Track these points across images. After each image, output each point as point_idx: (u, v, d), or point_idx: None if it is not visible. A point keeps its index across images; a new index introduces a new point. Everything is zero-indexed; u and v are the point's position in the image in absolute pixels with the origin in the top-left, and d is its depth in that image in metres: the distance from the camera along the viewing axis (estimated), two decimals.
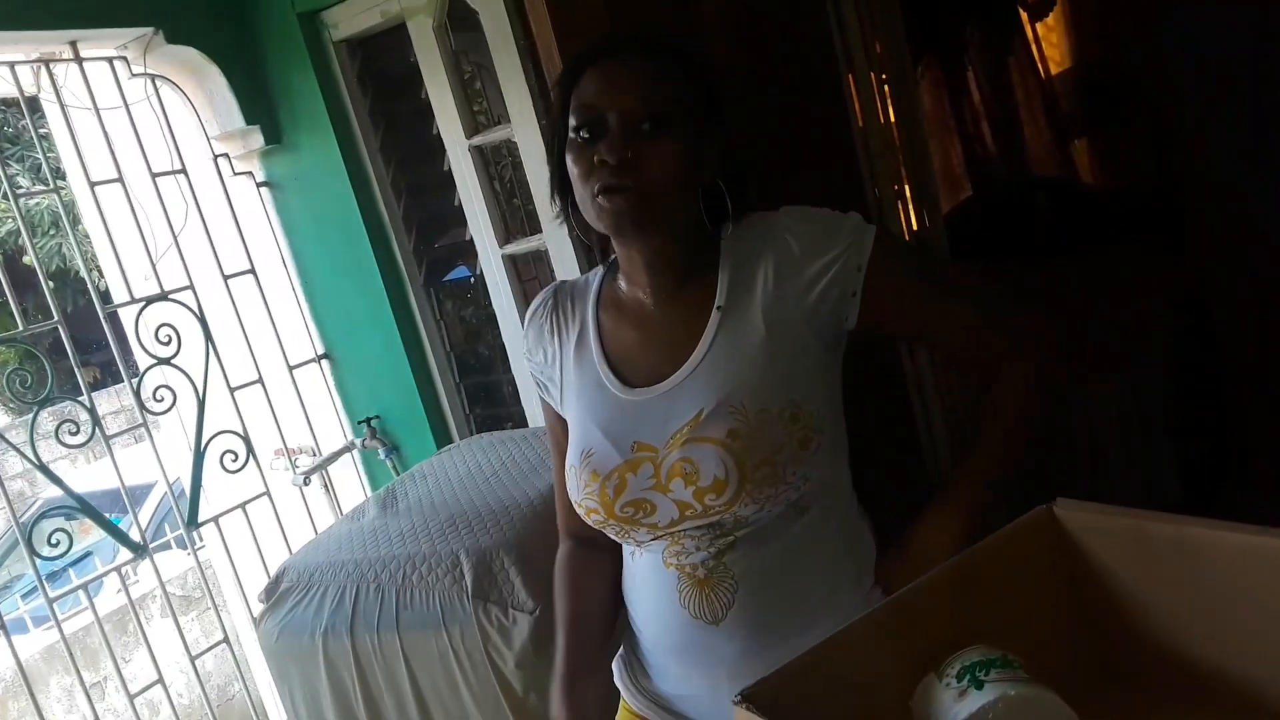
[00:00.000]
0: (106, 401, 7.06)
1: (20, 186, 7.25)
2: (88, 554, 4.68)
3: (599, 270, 1.16)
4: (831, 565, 1.10)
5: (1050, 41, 4.49)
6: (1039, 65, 4.45)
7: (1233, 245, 3.55)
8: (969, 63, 4.44)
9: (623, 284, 1.12)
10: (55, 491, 4.24)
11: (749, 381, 1.03)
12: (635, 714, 1.18)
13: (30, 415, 2.18)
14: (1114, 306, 3.13)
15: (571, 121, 1.02)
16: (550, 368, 1.15)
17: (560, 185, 1.09)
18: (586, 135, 1.01)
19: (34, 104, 2.44)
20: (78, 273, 8.90)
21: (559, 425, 1.17)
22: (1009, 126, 4.48)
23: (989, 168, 4.51)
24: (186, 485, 2.48)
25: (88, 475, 5.23)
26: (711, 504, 1.02)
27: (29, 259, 8.35)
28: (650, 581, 1.11)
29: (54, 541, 2.11)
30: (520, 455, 2.01)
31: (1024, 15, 4.40)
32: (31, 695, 2.21)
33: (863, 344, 1.13)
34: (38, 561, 2.20)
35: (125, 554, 2.39)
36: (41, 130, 2.72)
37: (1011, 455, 1.12)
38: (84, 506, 2.19)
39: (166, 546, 2.86)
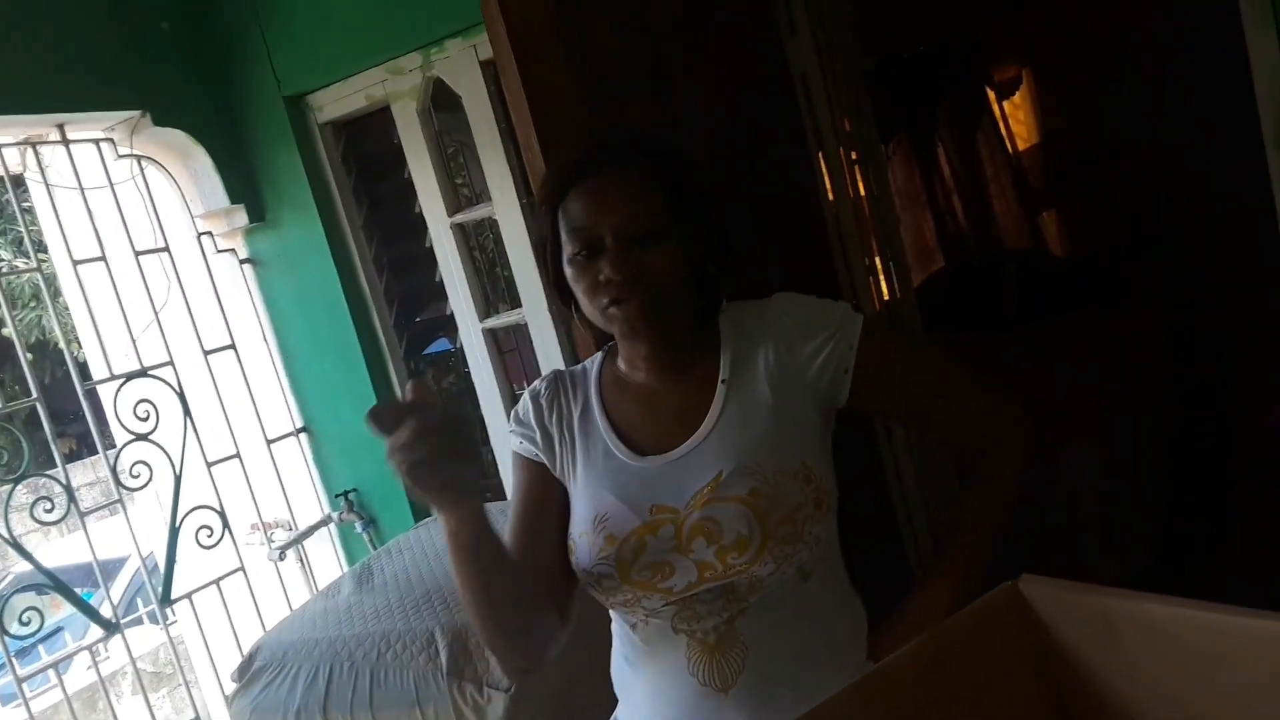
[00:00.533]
0: (82, 473, 6.98)
1: (1, 260, 7.26)
2: (58, 629, 4.59)
3: (597, 357, 1.21)
4: (833, 633, 1.13)
5: (1017, 119, 4.63)
6: (1006, 141, 4.59)
7: (1203, 306, 3.63)
8: (938, 139, 4.57)
9: (623, 366, 1.16)
10: (26, 566, 4.17)
11: (765, 444, 1.07)
12: None
13: (5, 490, 2.17)
14: (1083, 372, 3.18)
15: (567, 243, 1.07)
16: (546, 439, 1.16)
17: (560, 292, 1.14)
18: (585, 254, 1.06)
19: (18, 180, 2.47)
20: (56, 344, 8.86)
21: (535, 476, 1.17)
22: (978, 200, 4.60)
23: (960, 240, 4.61)
24: (160, 560, 2.46)
25: (61, 548, 5.14)
26: (733, 563, 1.05)
27: (8, 332, 8.31)
28: (657, 651, 1.11)
29: (25, 619, 2.09)
30: (501, 529, 2.01)
31: (991, 94, 4.55)
32: None
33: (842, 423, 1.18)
34: (6, 640, 2.16)
35: (97, 630, 2.36)
36: (25, 205, 2.75)
37: (1000, 531, 1.18)
38: (55, 583, 2.17)
39: (139, 621, 2.82)
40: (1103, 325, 3.38)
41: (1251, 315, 3.27)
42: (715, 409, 1.10)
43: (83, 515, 2.24)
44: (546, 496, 1.16)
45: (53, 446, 2.30)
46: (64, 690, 2.40)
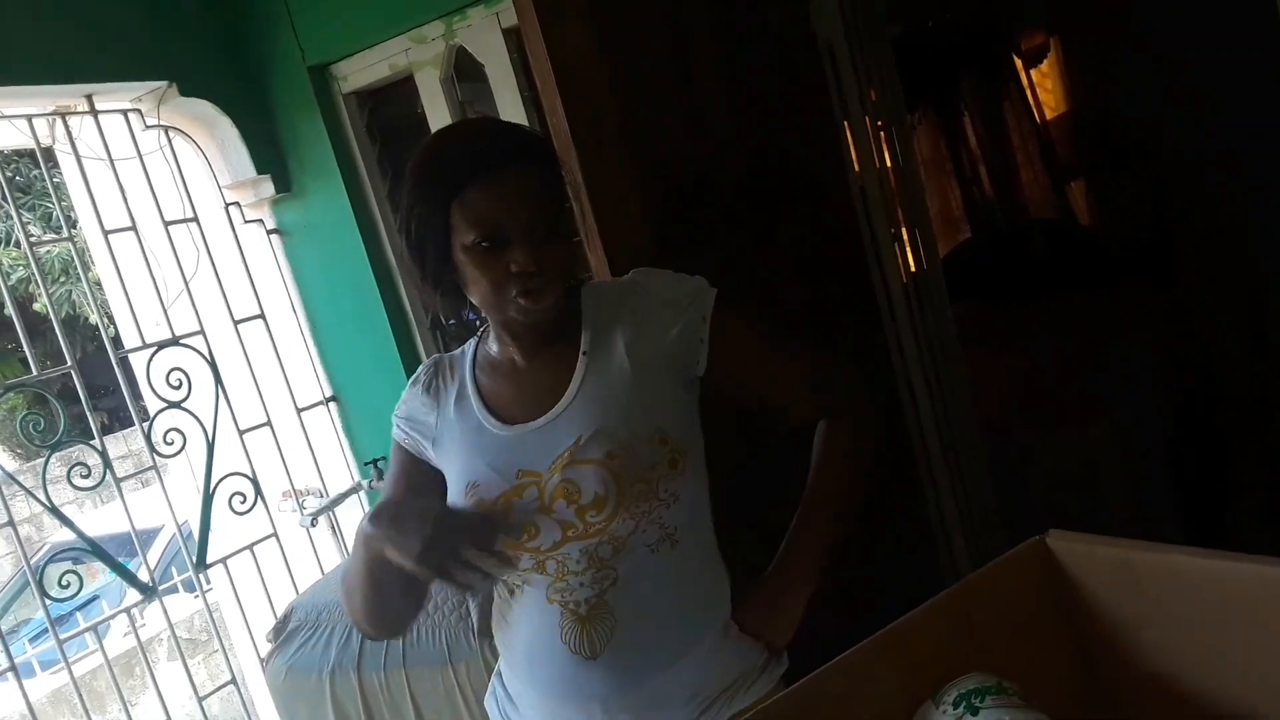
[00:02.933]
0: (115, 446, 7.07)
1: (31, 235, 7.33)
2: (95, 597, 4.69)
3: (472, 341, 1.27)
4: (697, 598, 1.21)
5: (1045, 87, 4.57)
6: (1034, 110, 4.54)
7: (1229, 284, 3.59)
8: (965, 109, 4.53)
9: (494, 347, 1.22)
10: (62, 536, 4.25)
11: (622, 410, 1.14)
12: None
13: (42, 460, 2.21)
14: (1106, 346, 3.16)
15: (466, 232, 1.09)
16: (423, 427, 1.24)
17: (435, 280, 1.15)
18: (488, 246, 1.09)
19: (48, 154, 2.50)
20: (88, 319, 8.97)
21: (410, 464, 1.25)
22: (1005, 170, 4.55)
23: (986, 210, 4.57)
24: (194, 528, 2.50)
25: (96, 519, 5.23)
26: (592, 521, 1.12)
27: (40, 305, 8.41)
28: (531, 619, 1.19)
29: (64, 584, 2.14)
30: None
31: (1018, 62, 4.49)
32: None
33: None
34: (47, 604, 2.21)
35: (133, 597, 2.41)
36: (55, 180, 2.78)
37: (850, 504, 1.27)
38: (94, 548, 2.21)
39: (174, 589, 2.88)
40: (1129, 300, 3.35)
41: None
42: (576, 380, 1.17)
43: (119, 482, 2.28)
44: (421, 482, 1.24)
45: (89, 416, 2.34)
46: (104, 654, 2.45)
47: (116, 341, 2.63)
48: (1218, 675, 0.87)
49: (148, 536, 4.62)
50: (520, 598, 1.19)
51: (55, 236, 7.15)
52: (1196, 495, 3.09)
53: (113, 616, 2.85)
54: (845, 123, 2.42)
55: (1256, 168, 2.69)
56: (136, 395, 2.59)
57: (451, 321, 1.28)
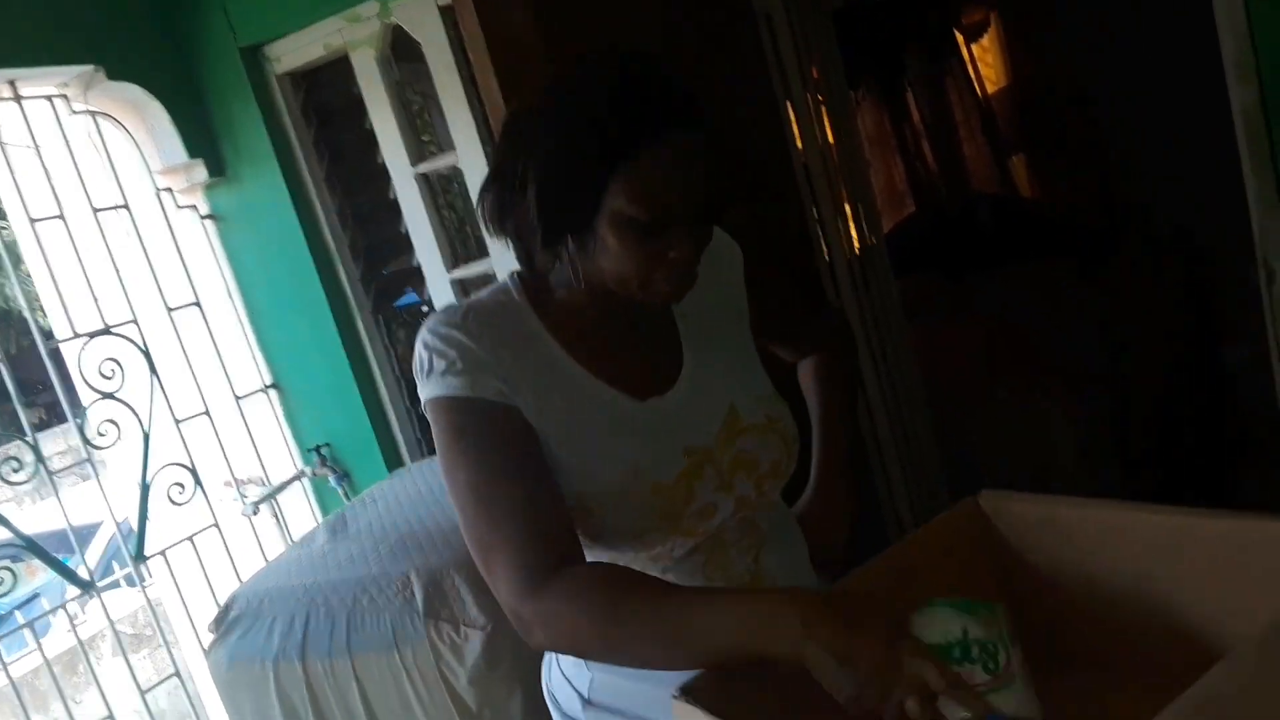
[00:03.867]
0: (51, 443, 6.91)
1: None
2: (35, 596, 4.58)
3: (501, 289, 1.07)
4: (801, 545, 1.19)
5: (986, 61, 4.62)
6: (976, 84, 4.58)
7: (1168, 254, 3.66)
8: (907, 84, 4.56)
9: (574, 308, 1.04)
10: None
11: (747, 370, 1.13)
12: None
13: None
14: (1050, 317, 3.21)
15: (629, 206, 0.91)
16: (512, 388, 0.99)
17: (552, 237, 0.96)
18: (647, 224, 0.92)
19: None
20: (20, 313, 8.72)
21: (524, 434, 0.99)
22: (948, 144, 4.60)
23: (930, 185, 4.62)
24: (134, 522, 2.44)
25: (33, 516, 5.11)
26: (768, 490, 1.09)
27: None
28: None
29: (0, 581, 2.08)
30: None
31: (959, 37, 4.53)
32: None
33: None
34: None
35: (73, 593, 2.35)
36: None
37: (853, 413, 1.53)
38: (30, 545, 2.15)
39: (115, 585, 2.82)
40: (1072, 271, 3.41)
41: (1221, 262, 3.30)
42: (687, 345, 1.09)
43: (52, 475, 2.22)
44: (536, 451, 0.99)
45: (20, 412, 2.27)
46: (43, 653, 2.40)
47: (48, 334, 2.56)
48: (1144, 614, 0.89)
49: (87, 532, 4.52)
50: (672, 578, 1.04)
51: None
52: (1141, 457, 3.16)
53: (51, 613, 2.78)
54: (787, 100, 2.43)
55: (1194, 140, 2.74)
56: (70, 389, 2.52)
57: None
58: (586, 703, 1.10)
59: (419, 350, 1.01)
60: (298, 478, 2.67)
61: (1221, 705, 0.64)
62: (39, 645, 2.38)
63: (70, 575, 2.25)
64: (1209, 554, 0.82)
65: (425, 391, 1.00)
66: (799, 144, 2.46)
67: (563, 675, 1.13)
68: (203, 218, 2.64)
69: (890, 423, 2.56)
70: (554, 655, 1.16)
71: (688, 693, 0.85)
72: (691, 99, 0.93)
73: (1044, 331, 3.21)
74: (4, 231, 2.62)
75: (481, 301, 1.05)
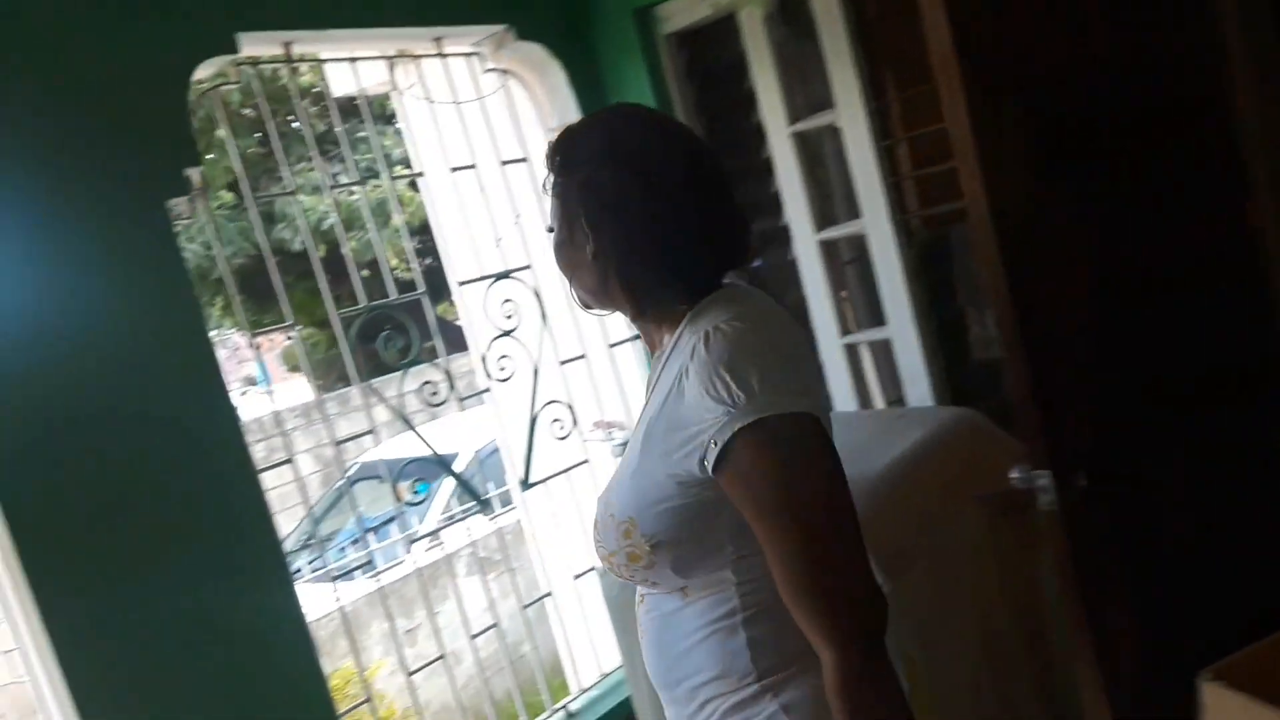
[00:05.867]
0: (433, 373, 7.70)
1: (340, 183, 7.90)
2: (391, 518, 5.13)
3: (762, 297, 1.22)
4: (714, 652, 1.11)
5: None
6: None
7: None
8: None
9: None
10: (367, 456, 4.64)
11: (620, 481, 1.15)
12: None
13: (399, 377, 2.39)
14: None
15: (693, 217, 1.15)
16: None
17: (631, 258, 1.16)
18: None
19: (378, 101, 2.67)
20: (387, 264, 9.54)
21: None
22: None
23: None
24: (507, 451, 2.65)
25: (398, 441, 5.74)
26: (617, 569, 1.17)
27: (355, 245, 8.99)
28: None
29: (416, 491, 2.35)
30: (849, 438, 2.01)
31: None
32: (351, 636, 2.44)
33: None
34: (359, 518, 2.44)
35: (431, 525, 2.61)
36: (371, 128, 2.96)
37: None
38: (441, 463, 2.41)
39: (509, 504, 3.07)
40: None
41: None
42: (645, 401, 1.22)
43: (461, 400, 2.47)
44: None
45: (435, 337, 2.51)
46: (418, 560, 2.68)
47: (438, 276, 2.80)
48: None
49: (450, 461, 5.00)
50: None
51: (403, 172, 7.55)
52: None
53: (432, 534, 3.10)
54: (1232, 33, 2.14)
55: None
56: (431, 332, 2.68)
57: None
58: None
59: (738, 360, 1.03)
60: None
61: None
62: (412, 555, 2.66)
63: (473, 491, 2.49)
64: None
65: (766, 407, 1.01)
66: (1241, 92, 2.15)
67: None
68: None
69: None
70: None
71: (1220, 676, 0.80)
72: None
73: None
74: (378, 190, 2.88)
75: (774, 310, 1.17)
